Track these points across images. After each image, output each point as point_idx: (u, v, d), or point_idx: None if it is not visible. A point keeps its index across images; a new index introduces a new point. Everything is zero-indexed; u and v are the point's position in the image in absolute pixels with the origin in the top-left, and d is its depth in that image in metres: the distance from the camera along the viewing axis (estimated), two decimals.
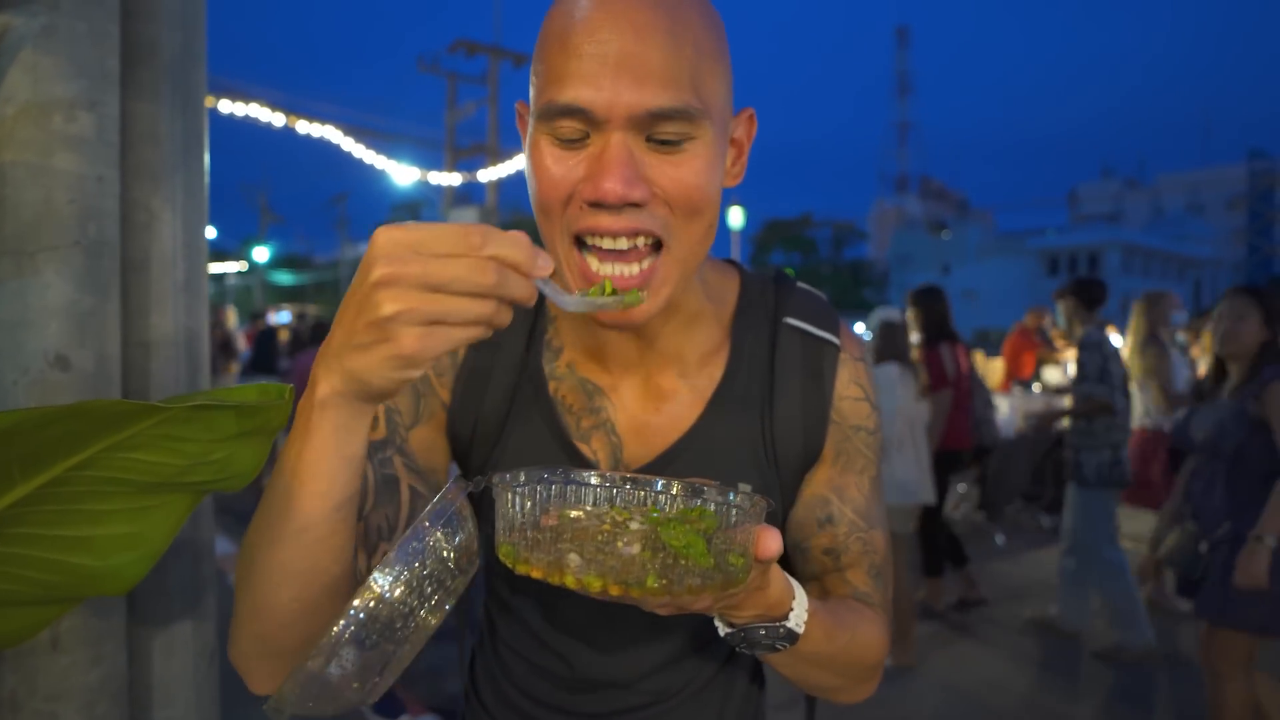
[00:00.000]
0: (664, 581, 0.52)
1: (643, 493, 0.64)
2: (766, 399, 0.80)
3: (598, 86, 0.61)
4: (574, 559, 0.53)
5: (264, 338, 8.66)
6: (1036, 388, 6.77)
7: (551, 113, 0.63)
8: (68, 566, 0.68)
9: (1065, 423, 4.19)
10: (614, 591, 0.52)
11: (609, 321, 0.68)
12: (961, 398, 4.21)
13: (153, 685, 1.01)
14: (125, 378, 0.97)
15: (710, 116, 0.65)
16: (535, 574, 0.53)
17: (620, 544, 0.53)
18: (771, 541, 0.56)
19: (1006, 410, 6.12)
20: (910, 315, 4.30)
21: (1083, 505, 3.84)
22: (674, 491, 0.63)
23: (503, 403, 0.80)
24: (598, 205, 0.63)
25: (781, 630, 0.63)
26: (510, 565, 0.55)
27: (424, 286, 0.48)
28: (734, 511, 0.59)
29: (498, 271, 0.49)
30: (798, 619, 0.63)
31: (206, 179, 1.09)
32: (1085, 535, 3.82)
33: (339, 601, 0.62)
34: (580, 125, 0.63)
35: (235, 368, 9.22)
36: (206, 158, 1.09)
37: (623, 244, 0.65)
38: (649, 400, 0.79)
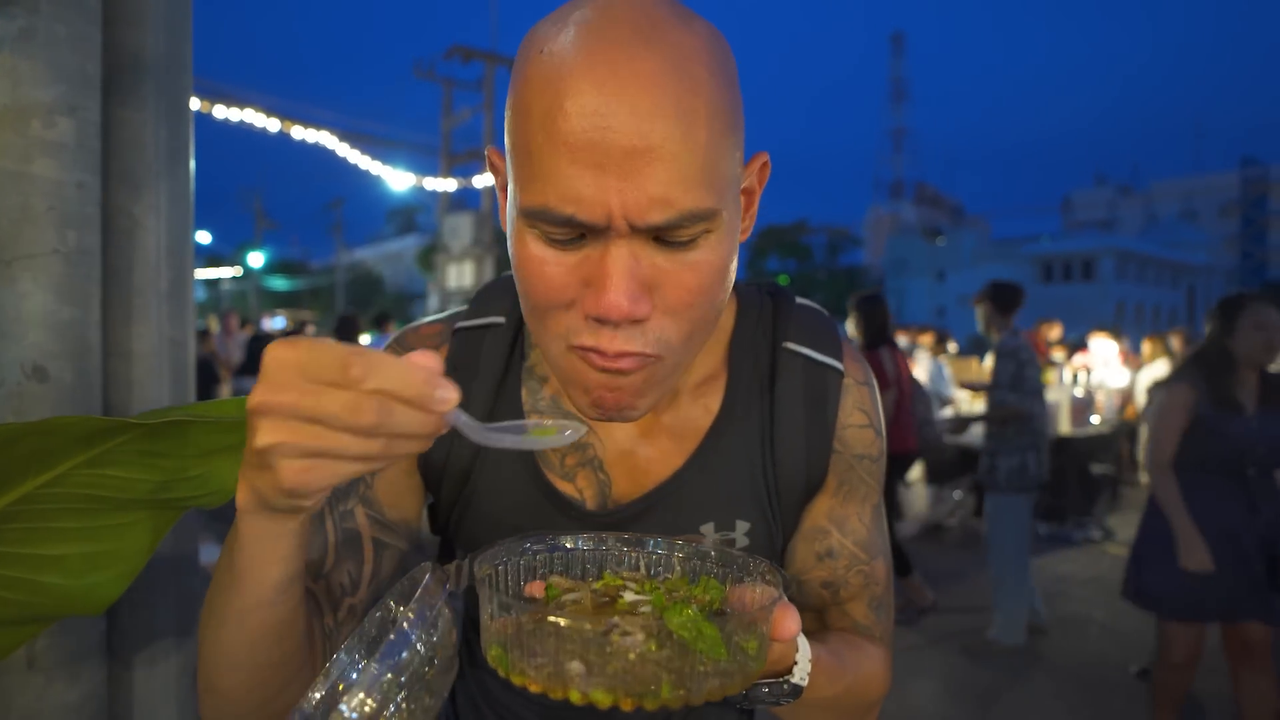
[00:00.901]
0: (681, 692, 0.46)
1: (636, 553, 0.60)
2: (767, 430, 0.75)
3: (596, 193, 0.52)
4: (576, 668, 0.45)
5: (255, 344, 8.62)
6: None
7: (539, 219, 0.55)
8: (40, 586, 0.66)
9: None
10: (626, 707, 0.45)
11: (599, 418, 0.62)
12: (903, 400, 4.35)
13: (134, 703, 0.98)
14: (106, 389, 0.95)
15: (725, 206, 0.57)
16: (534, 688, 0.46)
17: (618, 636, 0.46)
18: (790, 623, 0.51)
19: None
20: (852, 321, 4.43)
21: (995, 511, 3.94)
22: (674, 554, 0.59)
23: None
24: (600, 320, 0.56)
25: (786, 687, 0.59)
26: (503, 674, 0.48)
27: (299, 418, 0.43)
28: (744, 578, 0.56)
29: (379, 410, 0.43)
30: (802, 673, 0.59)
31: (192, 186, 1.07)
32: (1001, 540, 3.92)
33: (295, 680, 0.60)
34: (575, 231, 0.55)
35: (227, 382, 9.01)
36: (192, 164, 1.07)
37: (614, 363, 0.59)
38: (640, 433, 0.74)
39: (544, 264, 0.57)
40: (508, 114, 0.58)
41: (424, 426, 0.44)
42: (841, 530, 0.77)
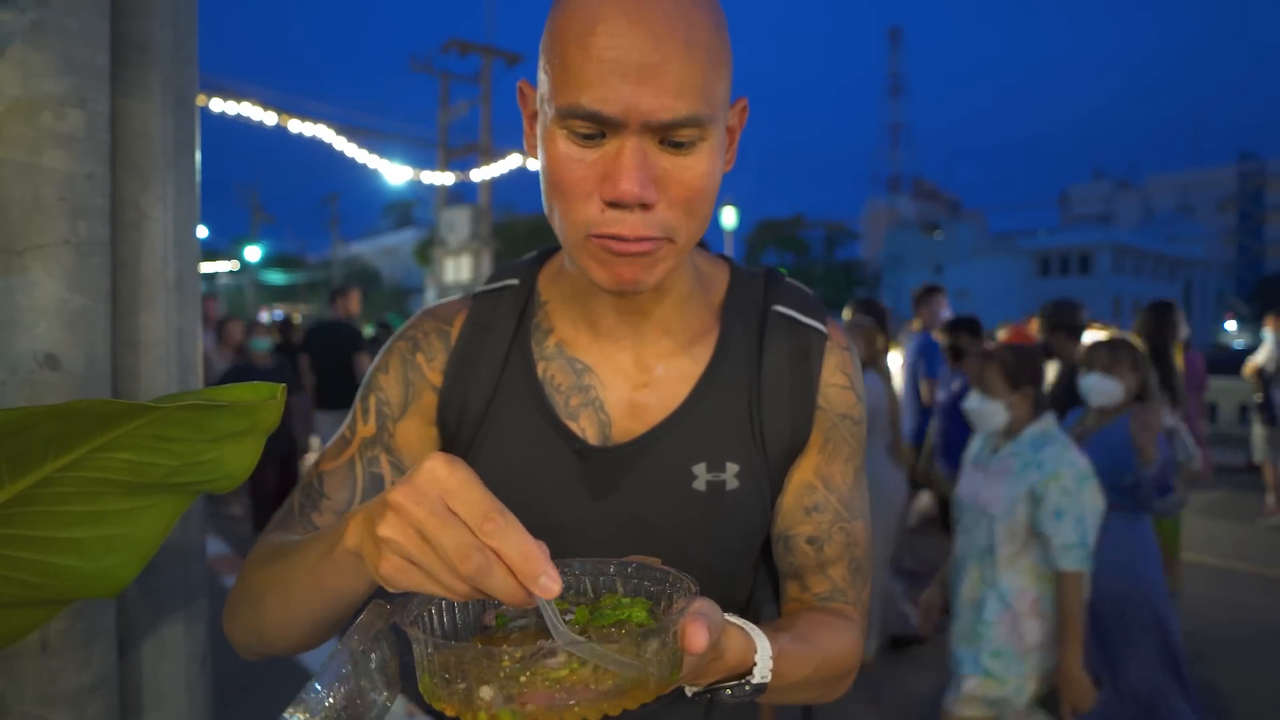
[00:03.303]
0: (580, 708, 0.48)
1: (587, 579, 0.62)
2: (755, 382, 0.82)
3: (618, 96, 0.64)
4: (486, 692, 0.49)
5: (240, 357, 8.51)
6: None
7: (572, 115, 0.66)
8: (56, 568, 0.67)
9: None
10: None
11: (611, 289, 0.71)
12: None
13: (143, 688, 1.00)
14: (115, 378, 0.97)
15: (716, 119, 0.69)
16: (450, 712, 0.50)
17: (507, 660, 0.49)
18: (699, 636, 0.52)
19: None
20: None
21: None
22: (599, 575, 0.62)
23: (489, 383, 0.83)
24: (614, 204, 0.67)
25: (747, 687, 0.62)
26: (428, 700, 0.52)
27: (419, 532, 0.50)
28: (671, 592, 0.58)
29: (480, 566, 0.48)
30: (762, 671, 0.62)
31: (198, 177, 1.08)
32: None
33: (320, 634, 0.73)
34: (598, 126, 0.66)
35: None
36: (198, 156, 1.08)
37: (634, 247, 0.69)
38: (639, 377, 0.82)
39: (570, 160, 0.68)
40: (546, 40, 0.70)
41: (512, 596, 0.49)
42: (827, 486, 0.82)
